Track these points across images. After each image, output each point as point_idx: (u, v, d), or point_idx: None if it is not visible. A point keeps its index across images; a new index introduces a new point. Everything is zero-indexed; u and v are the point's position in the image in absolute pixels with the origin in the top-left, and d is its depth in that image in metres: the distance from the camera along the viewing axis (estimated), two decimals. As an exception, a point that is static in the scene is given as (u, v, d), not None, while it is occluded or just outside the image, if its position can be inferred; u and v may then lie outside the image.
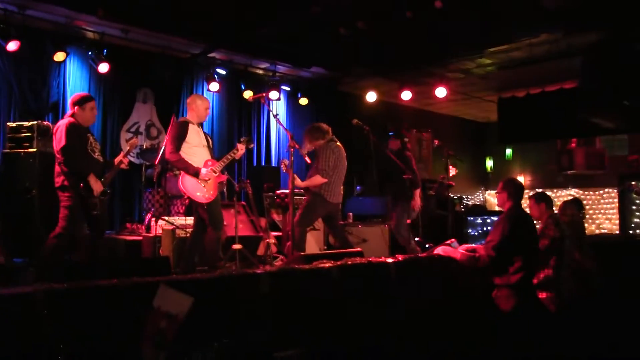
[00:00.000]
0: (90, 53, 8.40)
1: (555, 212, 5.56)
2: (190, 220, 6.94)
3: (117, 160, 5.79)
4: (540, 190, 5.71)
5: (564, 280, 5.06)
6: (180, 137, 5.59)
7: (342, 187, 6.18)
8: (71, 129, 5.33)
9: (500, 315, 4.46)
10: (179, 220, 6.88)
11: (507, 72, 10.61)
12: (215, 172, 5.63)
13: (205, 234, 5.60)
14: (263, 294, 3.36)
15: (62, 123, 5.43)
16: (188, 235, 6.05)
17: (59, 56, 7.90)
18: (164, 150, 6.82)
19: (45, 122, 7.24)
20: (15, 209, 6.75)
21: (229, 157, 5.78)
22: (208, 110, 6.01)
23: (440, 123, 13.96)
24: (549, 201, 5.47)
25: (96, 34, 8.43)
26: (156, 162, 7.24)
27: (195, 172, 5.49)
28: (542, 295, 4.80)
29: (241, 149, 5.83)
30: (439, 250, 4.76)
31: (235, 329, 3.21)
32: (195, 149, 5.67)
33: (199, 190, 5.49)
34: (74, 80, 8.51)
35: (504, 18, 7.98)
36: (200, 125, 5.92)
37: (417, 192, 7.10)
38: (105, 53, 8.36)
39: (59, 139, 5.32)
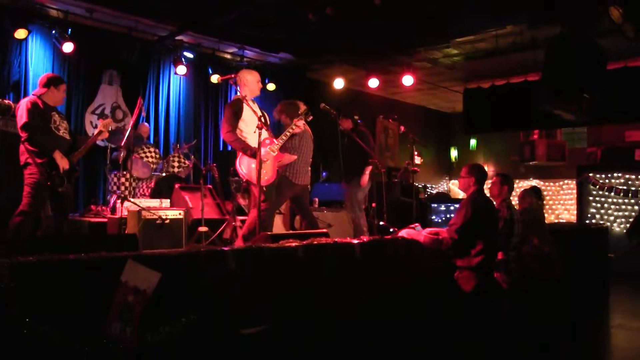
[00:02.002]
0: (53, 32, 8.23)
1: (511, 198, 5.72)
2: (155, 203, 6.93)
3: (91, 138, 5.78)
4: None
5: (512, 261, 5.24)
6: (235, 116, 5.36)
7: (309, 169, 6.19)
8: (32, 107, 5.32)
9: (461, 295, 4.58)
10: (145, 202, 6.85)
11: (473, 62, 10.78)
12: (273, 152, 5.40)
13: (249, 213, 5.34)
14: (230, 271, 3.40)
15: (24, 101, 5.44)
16: (155, 216, 6.03)
17: (20, 33, 7.73)
18: (129, 132, 6.78)
19: (7, 101, 7.10)
20: (-25, 189, 6.62)
21: (287, 133, 5.52)
22: (260, 84, 5.75)
23: (407, 112, 14.11)
24: (511, 186, 5.63)
25: (60, 12, 8.27)
26: (121, 145, 7.17)
27: (253, 153, 5.19)
28: (496, 275, 4.96)
29: (300, 123, 5.58)
30: (403, 232, 4.84)
31: (202, 305, 3.23)
32: (250, 129, 5.37)
33: (256, 172, 5.18)
34: (37, 59, 8.34)
35: (470, 8, 8.10)
36: (254, 101, 5.68)
37: (368, 169, 7.10)
38: (69, 32, 8.21)
39: (20, 116, 5.32)
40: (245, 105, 5.46)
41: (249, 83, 5.65)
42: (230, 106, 5.50)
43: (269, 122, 5.75)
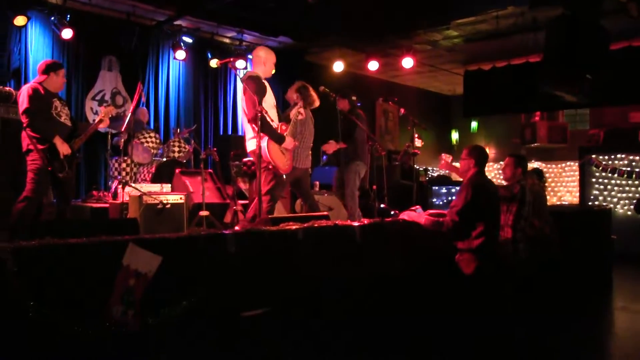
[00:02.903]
0: (52, 18, 8.22)
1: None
2: (156, 188, 6.95)
3: (97, 119, 5.79)
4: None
5: (520, 240, 5.22)
6: (260, 93, 5.08)
7: (310, 153, 6.19)
8: (33, 93, 5.33)
9: (462, 277, 4.59)
10: (146, 187, 6.86)
11: (474, 44, 10.72)
12: (291, 139, 5.33)
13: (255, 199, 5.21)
14: (231, 254, 3.41)
15: (25, 87, 5.46)
16: (156, 201, 6.05)
17: (20, 20, 7.71)
18: (129, 118, 6.78)
19: (7, 88, 7.09)
20: (-23, 176, 6.63)
21: (295, 120, 5.45)
22: (274, 66, 5.57)
23: (407, 95, 14.06)
24: (525, 167, 5.60)
25: (58, -1, 8.25)
26: (122, 130, 7.17)
27: (280, 139, 5.12)
28: (503, 254, 4.96)
29: (302, 110, 5.53)
30: (404, 215, 4.85)
31: (203, 288, 3.25)
32: (270, 110, 5.19)
33: (281, 159, 5.18)
34: (37, 46, 8.33)
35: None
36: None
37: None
38: (68, 19, 8.19)
39: (21, 103, 5.34)
40: (265, 83, 5.30)
41: (267, 63, 5.49)
42: (252, 82, 5.14)
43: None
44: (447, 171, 4.92)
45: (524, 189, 5.39)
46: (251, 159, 6.68)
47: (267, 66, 5.50)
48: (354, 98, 7.11)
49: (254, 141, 5.10)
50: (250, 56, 10.47)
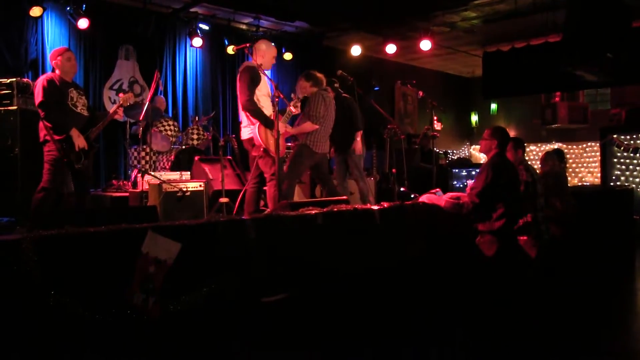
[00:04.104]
0: (68, 8, 8.22)
1: (527, 160, 5.66)
2: (175, 176, 6.97)
3: (111, 110, 5.82)
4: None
5: (542, 222, 5.16)
6: (253, 82, 5.33)
7: (328, 138, 6.15)
8: (48, 85, 5.35)
9: (483, 260, 4.55)
10: (166, 175, 6.89)
11: (492, 25, 10.57)
12: (285, 126, 5.50)
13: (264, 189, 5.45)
14: (250, 239, 3.40)
15: (40, 79, 5.50)
16: (175, 189, 6.08)
17: (35, 11, 7.72)
18: (147, 106, 6.78)
19: (25, 79, 7.13)
20: (-2, 167, 6.69)
21: (289, 112, 5.61)
22: (275, 60, 5.81)
23: (425, 78, 13.93)
24: (523, 148, 5.57)
25: (74, -12, 8.26)
26: (140, 118, 7.19)
27: (270, 124, 5.27)
28: (522, 238, 4.90)
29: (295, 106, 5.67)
30: (424, 198, 4.82)
31: (223, 274, 3.25)
32: (264, 98, 5.46)
33: (274, 143, 5.24)
34: (53, 36, 8.34)
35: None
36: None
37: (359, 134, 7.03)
38: (84, 8, 8.20)
39: (36, 95, 5.39)
40: (261, 74, 5.47)
41: (266, 54, 5.64)
42: (247, 72, 5.42)
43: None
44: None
45: (529, 169, 5.34)
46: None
47: (266, 58, 5.65)
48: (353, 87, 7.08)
49: (248, 129, 5.48)
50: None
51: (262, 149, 5.45)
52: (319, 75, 6.11)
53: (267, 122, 5.34)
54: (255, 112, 5.35)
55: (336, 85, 7.02)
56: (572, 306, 5.34)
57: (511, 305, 4.53)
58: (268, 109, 5.46)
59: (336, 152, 7.08)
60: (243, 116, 5.60)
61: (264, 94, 5.52)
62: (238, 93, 5.53)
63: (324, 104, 5.87)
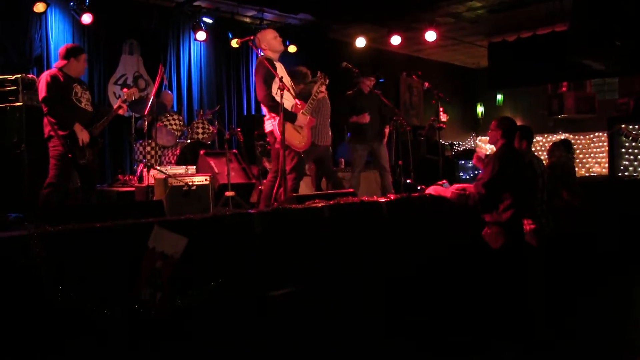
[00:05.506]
0: (72, 4, 8.20)
1: (532, 151, 5.60)
2: (181, 170, 6.96)
3: (115, 105, 5.79)
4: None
5: (542, 215, 5.10)
6: (270, 77, 5.19)
7: (329, 129, 6.13)
8: (51, 80, 5.33)
9: (489, 252, 4.52)
10: (171, 169, 6.88)
11: (498, 15, 10.49)
12: (306, 116, 5.37)
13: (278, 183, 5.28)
14: (257, 233, 3.39)
15: (44, 74, 5.47)
16: (181, 183, 6.06)
17: (39, 7, 7.71)
18: (152, 101, 6.77)
19: (30, 75, 7.11)
20: (4, 164, 6.69)
21: (314, 97, 5.46)
22: (279, 38, 5.57)
23: (431, 69, 13.85)
24: (530, 139, 5.50)
25: (76, -16, 8.23)
26: (145, 113, 7.17)
27: (292, 118, 5.19)
28: (527, 230, 4.86)
29: (323, 88, 5.54)
30: (431, 190, 4.80)
31: (230, 268, 3.24)
32: (285, 91, 5.25)
33: (296, 137, 5.21)
34: (57, 32, 8.34)
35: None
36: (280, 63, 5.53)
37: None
38: (87, 3, 8.18)
39: (40, 90, 5.37)
40: (275, 64, 5.37)
41: (268, 41, 5.53)
42: (260, 67, 5.34)
43: (293, 86, 5.64)
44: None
45: (533, 161, 5.29)
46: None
47: (268, 45, 5.49)
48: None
49: (269, 122, 5.38)
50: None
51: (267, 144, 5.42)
52: (302, 70, 6.15)
53: (288, 116, 5.21)
54: (274, 108, 5.20)
55: (371, 81, 6.99)
56: (578, 298, 5.32)
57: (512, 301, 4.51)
58: (289, 101, 5.32)
59: (364, 143, 7.05)
60: (264, 109, 5.52)
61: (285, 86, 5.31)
62: (256, 89, 5.46)
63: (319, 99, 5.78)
